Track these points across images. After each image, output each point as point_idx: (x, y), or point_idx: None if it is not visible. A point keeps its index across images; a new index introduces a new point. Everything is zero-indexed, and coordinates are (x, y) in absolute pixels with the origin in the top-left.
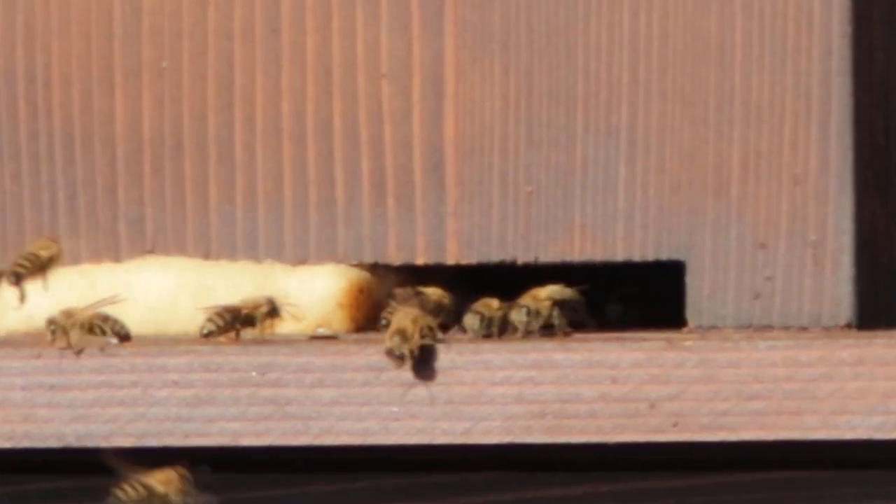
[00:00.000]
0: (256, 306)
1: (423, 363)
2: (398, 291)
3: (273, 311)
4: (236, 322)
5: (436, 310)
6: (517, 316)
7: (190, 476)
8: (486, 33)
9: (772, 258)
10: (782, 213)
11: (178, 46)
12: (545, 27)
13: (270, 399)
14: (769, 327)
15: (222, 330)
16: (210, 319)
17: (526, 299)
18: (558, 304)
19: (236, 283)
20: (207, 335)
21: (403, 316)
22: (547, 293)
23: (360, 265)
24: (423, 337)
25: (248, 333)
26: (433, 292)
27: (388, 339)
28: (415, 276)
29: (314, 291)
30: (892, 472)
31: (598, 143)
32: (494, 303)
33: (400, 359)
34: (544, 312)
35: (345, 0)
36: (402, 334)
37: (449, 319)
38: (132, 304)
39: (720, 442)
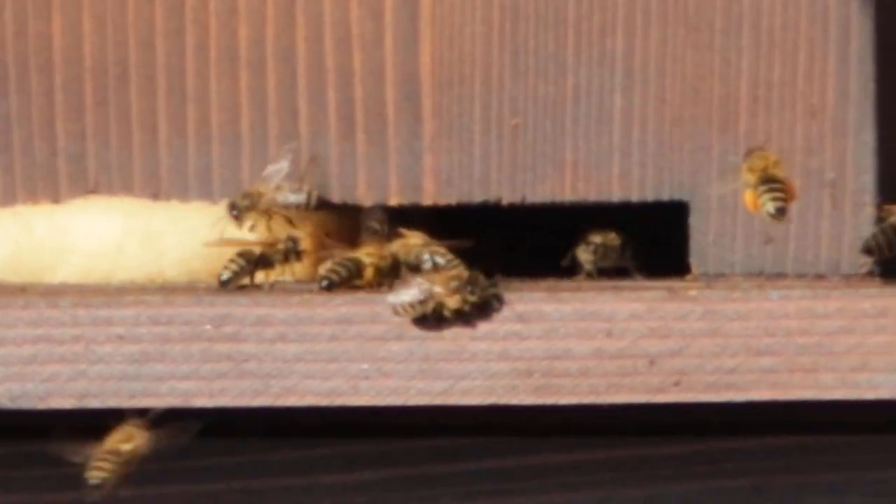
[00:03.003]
0: (274, 245)
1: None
2: (373, 225)
3: (294, 251)
4: (254, 265)
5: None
6: (584, 254)
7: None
8: None
9: None
10: (796, 149)
11: None
12: None
13: (226, 355)
14: (782, 275)
15: (239, 276)
16: (227, 265)
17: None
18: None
19: (189, 226)
20: (226, 283)
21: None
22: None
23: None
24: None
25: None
26: (413, 236)
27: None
28: (389, 218)
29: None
30: None
31: (591, 71)
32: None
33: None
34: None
35: None
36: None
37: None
38: (72, 251)
39: (727, 403)
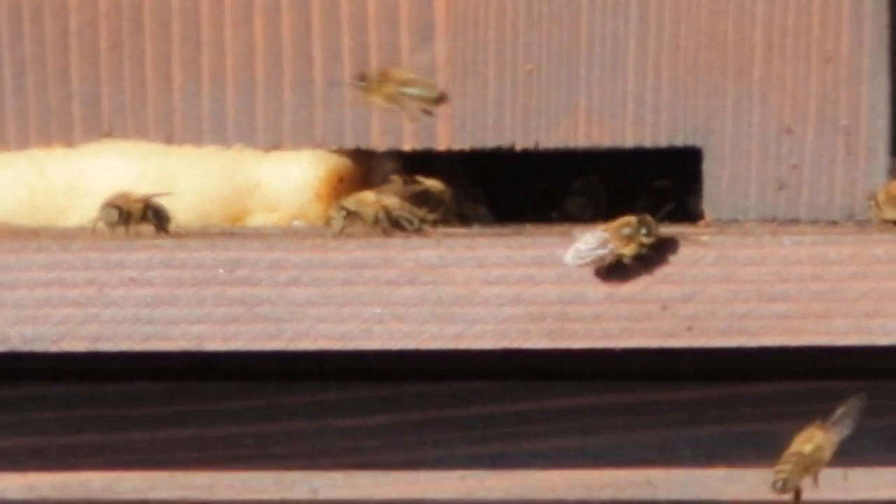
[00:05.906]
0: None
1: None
2: (394, 179)
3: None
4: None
5: (435, 204)
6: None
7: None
8: None
9: (798, 145)
10: (810, 95)
11: None
12: None
13: (239, 299)
14: (795, 221)
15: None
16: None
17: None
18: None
19: (202, 171)
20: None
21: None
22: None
23: (340, 151)
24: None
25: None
26: (433, 185)
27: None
28: (407, 164)
29: (289, 180)
30: None
31: (605, 17)
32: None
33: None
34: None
35: None
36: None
37: (448, 215)
38: (86, 194)
39: (739, 348)
